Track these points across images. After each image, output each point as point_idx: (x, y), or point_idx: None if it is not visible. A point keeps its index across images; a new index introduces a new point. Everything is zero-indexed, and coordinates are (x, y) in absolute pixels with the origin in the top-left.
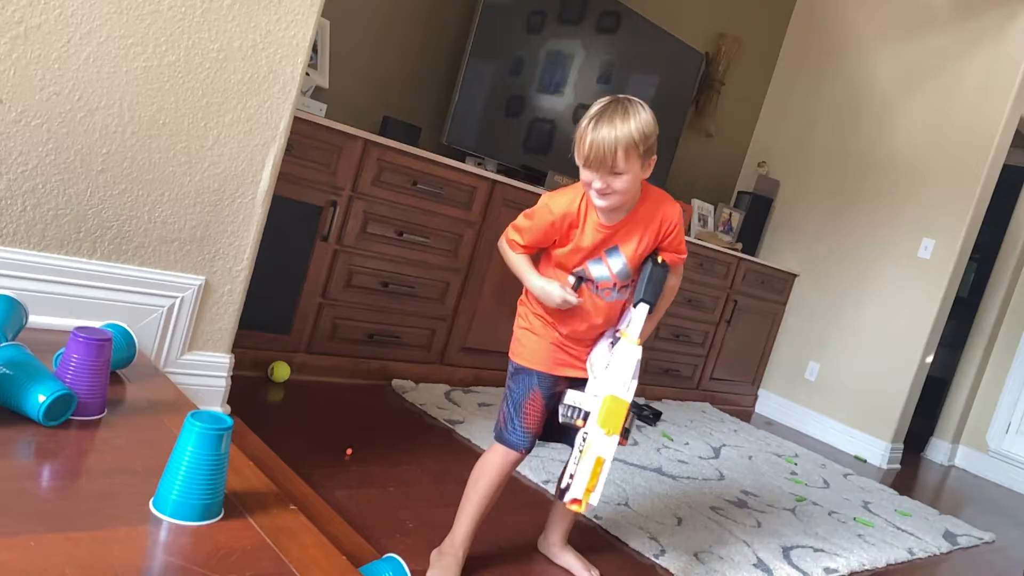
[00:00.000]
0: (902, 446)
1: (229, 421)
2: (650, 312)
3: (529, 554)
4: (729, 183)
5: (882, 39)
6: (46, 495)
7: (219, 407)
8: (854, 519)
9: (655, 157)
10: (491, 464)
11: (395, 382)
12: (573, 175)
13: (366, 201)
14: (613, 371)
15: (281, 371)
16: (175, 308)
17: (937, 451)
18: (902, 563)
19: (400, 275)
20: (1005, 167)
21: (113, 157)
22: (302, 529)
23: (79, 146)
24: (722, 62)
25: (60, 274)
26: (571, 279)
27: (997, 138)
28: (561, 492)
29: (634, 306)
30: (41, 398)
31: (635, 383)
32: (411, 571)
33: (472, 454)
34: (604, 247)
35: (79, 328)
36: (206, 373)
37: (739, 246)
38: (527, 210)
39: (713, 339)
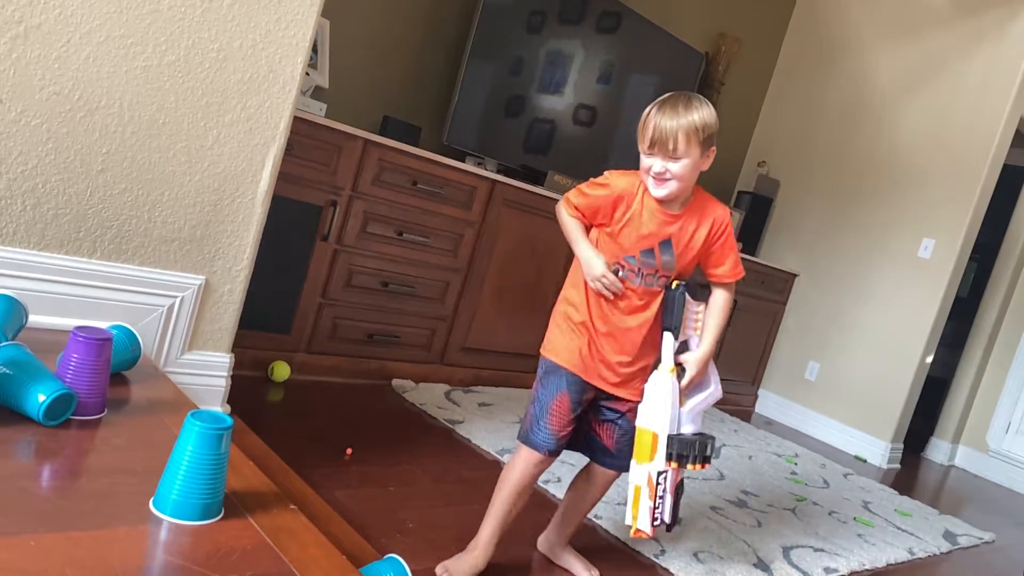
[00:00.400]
0: (902, 446)
1: (229, 421)
2: (677, 338)
3: (529, 554)
4: (729, 183)
5: (882, 39)
6: (46, 495)
7: (219, 407)
8: (854, 519)
9: (714, 149)
10: (515, 466)
11: (395, 382)
12: (573, 175)
13: (366, 201)
14: (644, 402)
15: (281, 371)
16: (175, 308)
17: (937, 451)
18: (902, 563)
19: (400, 275)
20: (1005, 167)
21: (113, 157)
22: (302, 529)
23: (79, 146)
24: (722, 62)
25: (60, 274)
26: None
27: (997, 138)
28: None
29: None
30: (41, 398)
31: (696, 407)
32: (412, 571)
33: (472, 454)
34: (660, 237)
35: (79, 328)
36: (206, 373)
37: (739, 246)
38: (592, 179)
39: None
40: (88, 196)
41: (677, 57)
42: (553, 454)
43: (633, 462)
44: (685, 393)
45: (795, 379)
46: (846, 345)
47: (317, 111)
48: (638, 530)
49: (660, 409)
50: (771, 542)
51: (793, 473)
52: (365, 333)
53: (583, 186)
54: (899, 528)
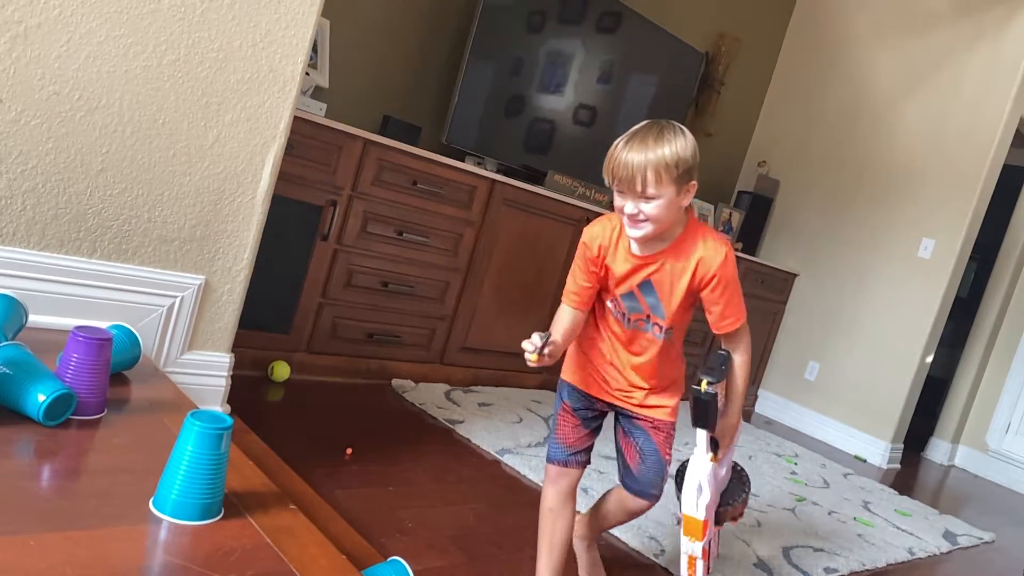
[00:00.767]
0: (902, 446)
1: (229, 420)
2: (708, 430)
3: (529, 554)
4: (729, 183)
5: (882, 39)
6: (46, 494)
7: (219, 406)
8: (854, 519)
9: (695, 183)
10: (544, 485)
11: (395, 382)
12: (573, 175)
13: (366, 201)
14: (686, 486)
15: (281, 370)
16: (175, 308)
17: (937, 451)
18: (902, 563)
19: (400, 275)
20: (1005, 167)
21: (113, 157)
22: (302, 529)
23: (79, 146)
24: (722, 62)
25: (60, 273)
26: (535, 337)
27: (997, 138)
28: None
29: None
30: (41, 397)
31: (726, 458)
32: (413, 572)
33: (472, 453)
34: (636, 278)
35: (79, 327)
36: (206, 372)
37: (739, 246)
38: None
39: (713, 339)
40: (88, 196)
41: (677, 57)
42: (567, 464)
43: (685, 538)
44: (721, 461)
45: (795, 379)
46: (846, 345)
47: (317, 111)
48: None
49: (704, 495)
50: (771, 542)
51: (793, 473)
52: (365, 333)
53: (573, 265)
54: (899, 528)
